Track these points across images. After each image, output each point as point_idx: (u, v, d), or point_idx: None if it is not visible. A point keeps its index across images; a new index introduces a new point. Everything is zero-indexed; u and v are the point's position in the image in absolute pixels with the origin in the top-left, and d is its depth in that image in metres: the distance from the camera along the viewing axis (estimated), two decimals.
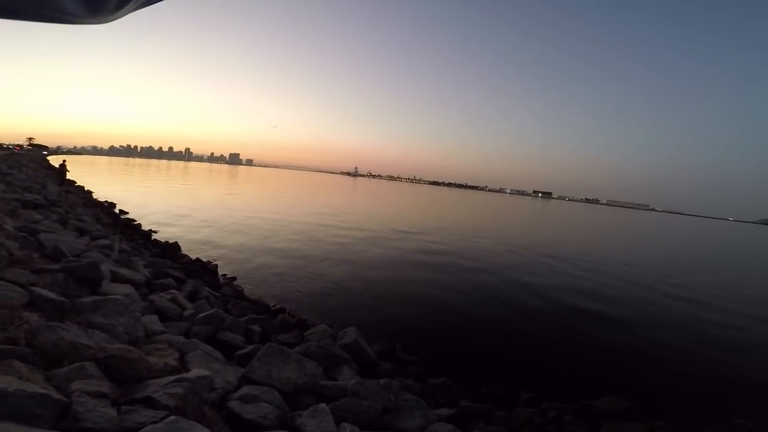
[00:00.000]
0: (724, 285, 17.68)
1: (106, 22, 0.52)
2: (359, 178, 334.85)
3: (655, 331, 9.86)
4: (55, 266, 5.40)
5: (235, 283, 10.20)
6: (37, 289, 3.88)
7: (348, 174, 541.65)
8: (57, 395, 2.09)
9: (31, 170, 30.37)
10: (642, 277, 16.79)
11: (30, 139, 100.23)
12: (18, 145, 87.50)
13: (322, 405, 3.69)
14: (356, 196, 67.74)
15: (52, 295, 3.84)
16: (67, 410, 2.08)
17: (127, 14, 0.53)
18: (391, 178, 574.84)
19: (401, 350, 7.08)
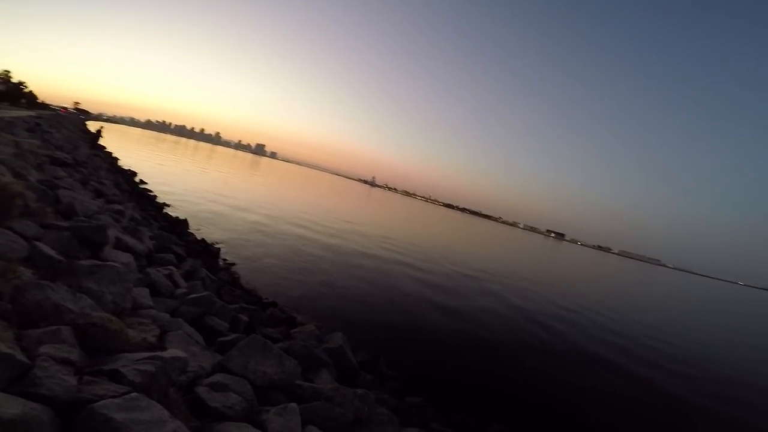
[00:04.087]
0: (729, 352, 17.00)
1: None
2: (375, 189, 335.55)
3: (637, 383, 9.59)
4: (64, 224, 5.54)
5: (234, 269, 10.29)
6: (39, 245, 3.98)
7: (365, 182, 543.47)
8: (21, 356, 2.11)
9: (68, 131, 31.43)
10: (636, 333, 16.27)
11: (76, 103, 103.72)
12: (64, 108, 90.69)
13: (293, 405, 3.66)
14: (373, 206, 67.90)
15: (52, 253, 3.93)
16: (27, 373, 2.08)
17: None
18: (407, 193, 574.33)
19: (384, 364, 7.02)
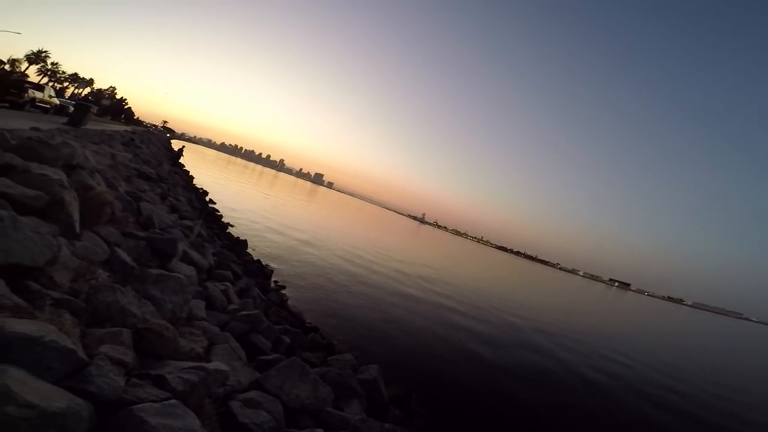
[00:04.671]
0: None
1: None
2: (425, 226, 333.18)
3: None
4: (142, 234, 6.18)
5: (283, 291, 10.66)
6: (118, 250, 4.48)
7: (415, 218, 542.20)
8: (81, 353, 2.29)
9: (155, 148, 35.30)
10: (699, 383, 14.08)
11: (165, 122, 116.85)
12: (154, 125, 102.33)
13: (319, 431, 3.65)
14: (422, 243, 67.46)
15: (128, 259, 4.40)
16: (82, 370, 2.23)
17: None
18: (457, 232, 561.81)
19: (415, 401, 6.84)
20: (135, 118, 66.67)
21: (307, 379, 4.57)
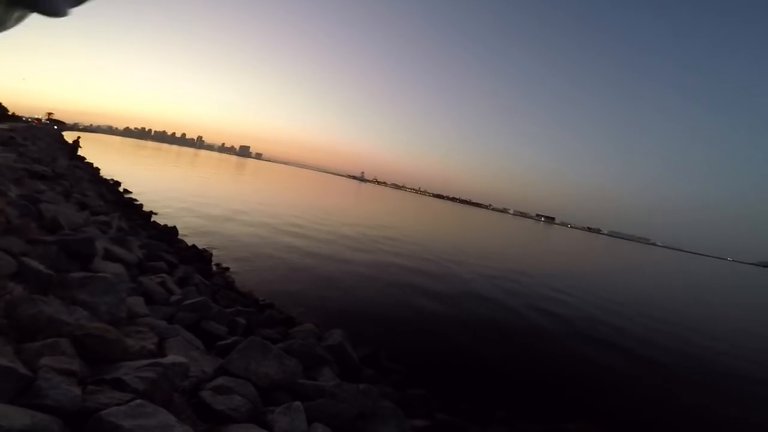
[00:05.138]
0: (716, 324, 17.54)
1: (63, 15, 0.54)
2: (365, 184, 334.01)
3: (637, 364, 9.78)
4: (50, 238, 5.43)
5: (228, 273, 10.21)
6: (27, 260, 3.90)
7: (354, 178, 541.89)
8: (23, 370, 2.09)
9: (44, 143, 30.58)
10: (631, 312, 16.61)
11: (50, 114, 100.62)
12: (37, 119, 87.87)
13: (297, 403, 3.66)
14: (363, 201, 67.84)
15: (41, 268, 3.86)
16: (31, 385, 2.07)
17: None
18: (397, 186, 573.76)
19: (385, 358, 7.05)
20: (10, 113, 56.66)
21: (270, 355, 4.52)
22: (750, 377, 10.64)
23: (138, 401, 2.18)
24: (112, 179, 22.89)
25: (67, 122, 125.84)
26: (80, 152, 29.17)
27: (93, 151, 46.19)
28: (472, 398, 6.32)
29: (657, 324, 14.80)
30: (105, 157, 43.44)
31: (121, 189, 20.40)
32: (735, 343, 14.70)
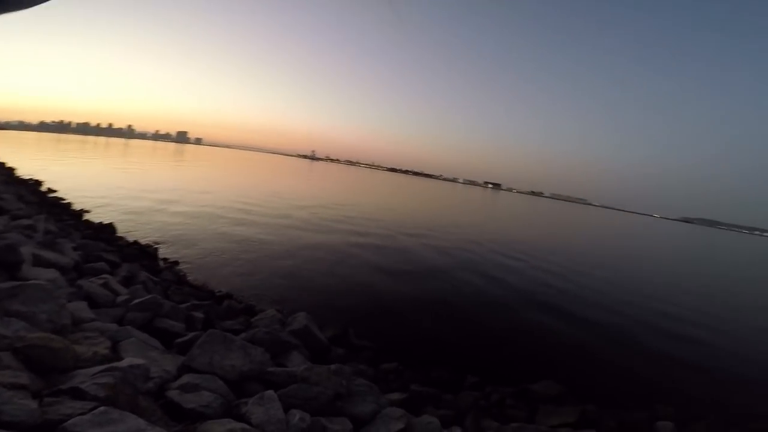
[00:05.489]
0: (650, 280, 19.56)
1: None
2: (317, 162, 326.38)
3: (589, 323, 10.51)
4: None
5: (178, 267, 9.70)
6: None
7: (305, 157, 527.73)
8: None
9: None
10: (581, 272, 17.99)
11: None
12: None
13: (269, 392, 3.61)
14: (315, 180, 66.47)
15: None
16: None
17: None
18: (350, 162, 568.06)
19: (354, 335, 7.14)
20: None
21: (233, 346, 4.39)
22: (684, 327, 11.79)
23: (102, 408, 2.04)
24: (32, 179, 20.52)
25: None
26: None
27: (4, 150, 40.99)
28: (442, 366, 6.60)
29: (600, 284, 15.90)
30: (20, 155, 38.65)
31: (43, 189, 18.39)
32: (669, 296, 15.98)
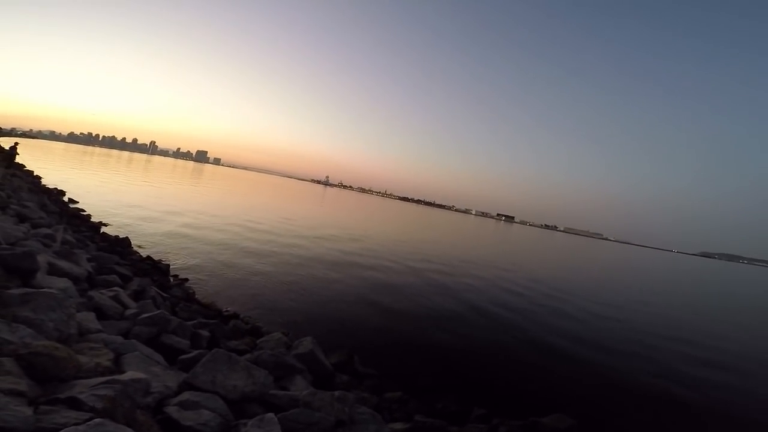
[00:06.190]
0: (670, 315, 18.82)
1: None
2: (330, 188, 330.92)
3: (604, 355, 10.22)
4: None
5: (188, 284, 9.72)
6: None
7: (319, 182, 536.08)
8: None
9: None
10: (597, 305, 17.46)
11: None
12: None
13: (270, 414, 3.51)
14: (327, 206, 67.08)
15: None
16: None
17: None
18: (362, 190, 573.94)
19: (359, 362, 6.96)
20: None
21: (237, 367, 4.31)
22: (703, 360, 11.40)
23: (97, 420, 1.98)
24: (56, 188, 21.24)
25: (3, 127, 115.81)
26: (18, 159, 26.80)
27: (34, 159, 42.81)
28: (448, 397, 6.36)
29: (618, 314, 15.59)
30: (47, 164, 40.27)
31: (65, 199, 18.98)
32: (691, 329, 15.65)
